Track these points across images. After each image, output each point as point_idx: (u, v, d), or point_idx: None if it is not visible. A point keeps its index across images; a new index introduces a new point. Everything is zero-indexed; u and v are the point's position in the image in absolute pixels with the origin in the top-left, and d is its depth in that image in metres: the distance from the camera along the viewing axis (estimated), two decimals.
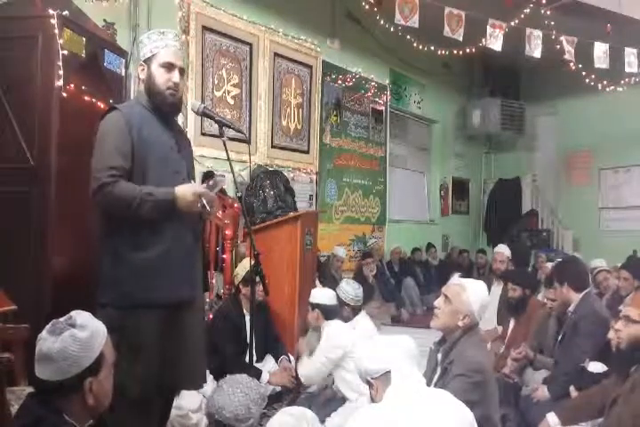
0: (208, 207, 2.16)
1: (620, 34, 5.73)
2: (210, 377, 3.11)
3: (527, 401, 3.14)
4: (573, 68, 6.02)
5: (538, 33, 5.48)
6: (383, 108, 7.58)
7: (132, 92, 3.86)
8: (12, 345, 2.30)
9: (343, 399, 3.33)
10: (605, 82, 6.50)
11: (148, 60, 2.23)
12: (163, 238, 2.13)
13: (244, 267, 3.68)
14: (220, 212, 4.13)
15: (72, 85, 2.96)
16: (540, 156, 9.70)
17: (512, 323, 4.04)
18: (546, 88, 8.98)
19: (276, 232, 4.22)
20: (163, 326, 2.12)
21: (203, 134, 4.98)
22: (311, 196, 6.33)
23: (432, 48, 5.93)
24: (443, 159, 9.12)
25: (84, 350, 1.43)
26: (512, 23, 5.38)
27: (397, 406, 1.42)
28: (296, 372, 3.62)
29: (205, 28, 5.08)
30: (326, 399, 3.44)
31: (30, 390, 1.58)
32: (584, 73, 6.19)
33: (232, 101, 5.38)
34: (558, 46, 5.64)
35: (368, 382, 1.87)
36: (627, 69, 5.88)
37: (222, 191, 4.12)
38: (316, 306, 3.52)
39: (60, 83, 2.82)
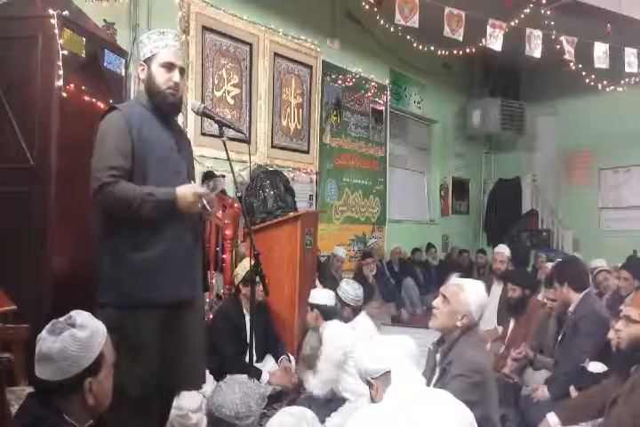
0: (209, 208, 2.17)
1: (620, 34, 5.73)
2: (210, 377, 3.11)
3: (527, 401, 3.14)
4: (573, 68, 6.02)
5: (538, 33, 5.48)
6: (383, 108, 7.57)
7: (131, 92, 3.86)
8: (12, 345, 2.30)
9: (343, 399, 3.33)
10: (605, 82, 6.50)
11: (148, 60, 2.23)
12: (163, 238, 2.13)
13: (243, 267, 3.68)
14: (220, 212, 4.13)
15: (72, 85, 2.96)
16: (540, 156, 9.70)
17: (512, 323, 4.04)
18: (546, 88, 8.98)
19: (276, 232, 4.22)
20: (162, 327, 2.12)
21: (203, 134, 4.98)
22: (311, 196, 6.32)
23: (432, 48, 5.92)
24: (443, 159, 9.12)
25: (83, 350, 1.43)
26: (512, 23, 5.38)
27: (397, 406, 1.42)
28: (296, 372, 3.63)
29: (205, 28, 5.08)
30: (326, 399, 3.44)
31: (30, 390, 1.58)
32: (584, 73, 6.19)
33: (232, 101, 5.38)
34: (558, 46, 5.64)
35: (368, 382, 1.87)
36: (627, 69, 5.88)
37: (222, 191, 4.12)
38: (315, 306, 3.52)
39: (60, 83, 2.82)
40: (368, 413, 1.47)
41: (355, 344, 3.27)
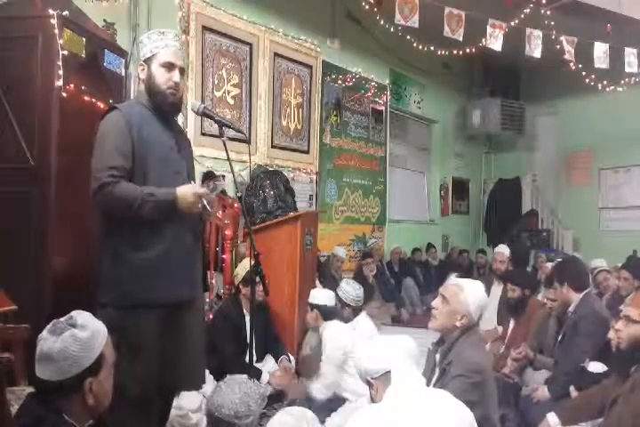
0: (209, 208, 2.17)
1: (620, 34, 5.73)
2: (210, 377, 3.12)
3: (527, 401, 3.14)
4: (573, 68, 6.02)
5: (538, 33, 5.48)
6: (383, 108, 7.57)
7: (131, 92, 3.86)
8: (12, 345, 2.30)
9: (343, 399, 3.33)
10: (605, 82, 6.50)
11: (148, 60, 2.23)
12: (163, 238, 2.13)
13: (244, 267, 3.68)
14: (220, 212, 4.13)
15: (72, 85, 2.96)
16: (540, 156, 9.70)
17: (512, 323, 4.04)
18: (546, 88, 8.98)
19: (276, 232, 4.22)
20: (162, 327, 2.12)
21: (203, 134, 4.98)
22: (311, 196, 6.32)
23: (432, 48, 5.92)
24: (443, 159, 9.12)
25: (84, 350, 1.43)
26: (512, 23, 5.38)
27: (397, 406, 1.42)
28: (296, 372, 3.62)
29: (205, 28, 5.08)
30: (327, 399, 3.44)
31: (30, 390, 1.59)
32: (584, 73, 6.19)
33: (232, 101, 5.38)
34: (558, 46, 5.64)
35: (368, 382, 1.87)
36: (627, 69, 5.88)
37: (222, 191, 4.12)
38: (314, 307, 3.53)
39: (60, 83, 2.82)
40: (368, 413, 1.47)
41: (355, 344, 3.27)
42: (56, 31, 2.81)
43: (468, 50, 5.69)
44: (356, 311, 3.67)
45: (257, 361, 3.53)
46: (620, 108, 8.06)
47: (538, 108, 9.35)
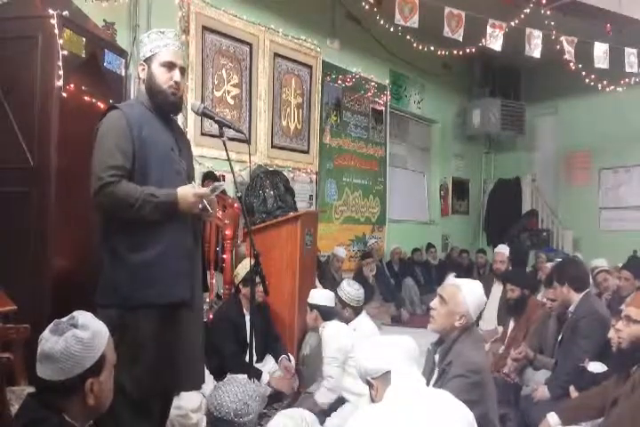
0: (209, 209, 2.16)
1: (620, 34, 5.74)
2: (210, 377, 3.11)
3: (527, 401, 3.14)
4: (573, 68, 6.02)
5: (538, 33, 5.48)
6: (383, 108, 7.58)
7: (131, 92, 3.85)
8: (12, 345, 2.30)
9: (343, 399, 3.33)
10: (605, 82, 6.50)
11: (148, 60, 2.22)
12: (162, 239, 2.13)
13: (244, 267, 3.68)
14: (220, 212, 4.13)
15: (72, 85, 2.96)
16: (540, 156, 9.70)
17: (512, 323, 4.05)
18: (546, 88, 8.98)
19: (276, 232, 4.22)
20: (162, 327, 2.11)
21: (203, 134, 4.98)
22: (311, 196, 6.33)
23: (432, 48, 5.93)
24: (443, 159, 9.12)
25: (86, 350, 1.43)
26: (512, 23, 5.38)
27: (397, 406, 1.42)
28: (296, 372, 3.62)
29: (205, 28, 5.08)
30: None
31: (30, 389, 1.59)
32: (584, 73, 6.19)
33: (232, 101, 5.38)
34: (558, 46, 5.64)
35: (368, 382, 1.86)
36: (627, 69, 5.88)
37: (222, 191, 4.12)
38: (314, 307, 3.53)
39: (59, 83, 2.82)
40: (368, 413, 1.47)
41: (354, 344, 3.27)
42: (56, 31, 2.81)
43: (467, 50, 5.70)
44: (356, 312, 3.67)
45: (257, 361, 3.52)
46: (620, 108, 8.06)
47: (538, 108, 9.34)
